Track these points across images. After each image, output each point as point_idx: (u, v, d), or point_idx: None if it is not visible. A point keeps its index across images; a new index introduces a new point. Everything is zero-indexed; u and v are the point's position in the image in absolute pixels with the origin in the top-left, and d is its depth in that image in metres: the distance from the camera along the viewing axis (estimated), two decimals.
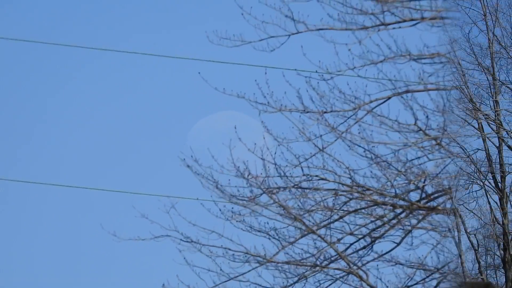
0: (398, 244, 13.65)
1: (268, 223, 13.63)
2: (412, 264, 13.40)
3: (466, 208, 22.78)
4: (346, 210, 13.64)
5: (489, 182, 22.24)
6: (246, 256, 13.51)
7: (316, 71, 13.28)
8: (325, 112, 13.37)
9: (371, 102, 13.27)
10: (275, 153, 13.47)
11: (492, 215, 22.11)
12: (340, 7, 13.38)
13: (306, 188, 13.58)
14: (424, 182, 13.40)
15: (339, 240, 13.70)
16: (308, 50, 13.78)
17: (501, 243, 22.42)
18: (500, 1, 22.69)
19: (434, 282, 13.73)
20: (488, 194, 22.03)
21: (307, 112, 13.44)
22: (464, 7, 22.92)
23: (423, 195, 13.46)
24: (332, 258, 13.63)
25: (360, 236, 13.58)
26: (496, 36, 22.58)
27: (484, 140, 22.35)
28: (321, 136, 13.47)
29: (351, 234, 13.64)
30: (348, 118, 13.42)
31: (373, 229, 13.60)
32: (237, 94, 13.66)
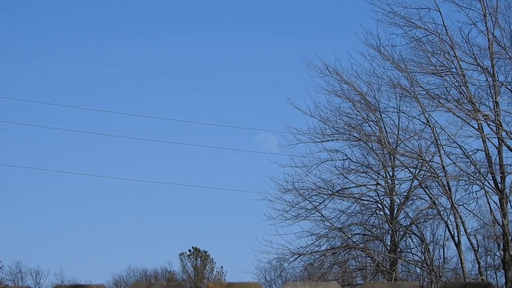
0: None
1: None
2: None
3: (466, 209, 22.81)
4: None
5: (489, 183, 22.25)
6: None
7: None
8: None
9: None
10: None
11: (492, 216, 22.10)
12: None
13: None
14: None
15: None
16: None
17: (501, 244, 22.42)
18: (499, 2, 22.71)
19: None
20: (488, 195, 22.02)
21: None
22: (464, 7, 22.96)
23: None
24: None
25: None
26: (496, 37, 22.59)
27: (483, 141, 22.35)
28: None
29: None
30: None
31: None
32: None
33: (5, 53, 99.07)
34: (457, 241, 22.54)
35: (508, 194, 22.07)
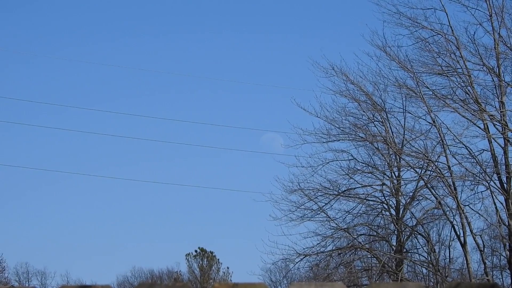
0: None
1: None
2: None
3: (472, 209, 22.79)
4: None
5: (495, 183, 22.23)
6: None
7: None
8: None
9: None
10: None
11: (498, 216, 22.09)
12: None
13: None
14: None
15: None
16: None
17: (507, 244, 22.41)
18: (506, 2, 22.68)
19: None
20: (493, 195, 22.02)
21: None
22: (469, 7, 22.94)
23: None
24: None
25: None
26: (502, 37, 22.57)
27: (489, 141, 22.34)
28: None
29: None
30: None
31: None
32: None
33: (5, 53, 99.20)
34: (463, 242, 22.53)
35: None
